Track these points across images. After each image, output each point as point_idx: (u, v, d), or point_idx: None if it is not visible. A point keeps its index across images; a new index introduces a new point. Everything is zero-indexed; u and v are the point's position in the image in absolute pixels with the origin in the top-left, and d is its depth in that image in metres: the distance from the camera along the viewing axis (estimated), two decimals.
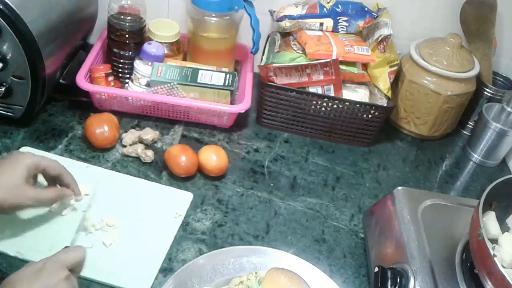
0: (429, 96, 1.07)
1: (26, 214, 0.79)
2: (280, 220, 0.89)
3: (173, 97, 1.01)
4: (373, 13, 1.05)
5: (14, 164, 0.72)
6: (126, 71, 1.07)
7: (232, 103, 1.04)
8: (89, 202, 0.83)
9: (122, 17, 1.04)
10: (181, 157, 0.91)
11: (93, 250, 0.76)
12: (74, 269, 0.64)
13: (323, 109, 1.04)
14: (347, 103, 1.03)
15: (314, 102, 1.04)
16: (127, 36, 1.04)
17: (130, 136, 0.97)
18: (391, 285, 0.69)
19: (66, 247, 0.68)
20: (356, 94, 1.04)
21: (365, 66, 1.06)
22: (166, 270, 0.77)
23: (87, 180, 0.86)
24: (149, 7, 1.08)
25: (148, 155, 0.94)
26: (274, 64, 1.01)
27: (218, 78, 1.02)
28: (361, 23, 1.06)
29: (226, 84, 1.01)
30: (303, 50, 1.02)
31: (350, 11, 1.06)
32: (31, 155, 0.74)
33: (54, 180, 0.78)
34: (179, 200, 0.88)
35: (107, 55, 1.09)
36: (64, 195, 0.78)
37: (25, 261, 0.74)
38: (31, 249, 0.75)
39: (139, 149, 0.95)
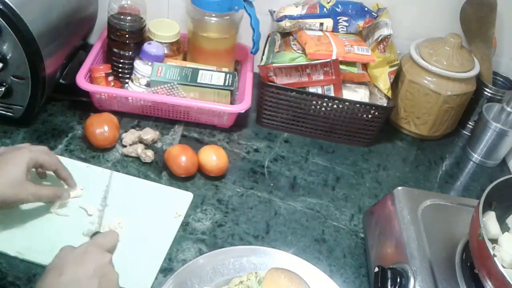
0: (429, 96, 1.07)
1: (26, 214, 0.79)
2: (280, 220, 0.89)
3: (173, 97, 1.01)
4: (373, 13, 1.05)
5: (14, 160, 0.73)
6: (126, 71, 1.07)
7: (232, 103, 1.04)
8: (104, 194, 0.85)
9: (122, 17, 1.04)
10: (181, 157, 0.91)
11: None
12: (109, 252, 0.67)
13: (323, 109, 1.04)
14: (347, 103, 1.03)
15: (314, 102, 1.04)
16: (127, 36, 1.04)
17: (130, 136, 0.97)
18: (391, 285, 0.69)
19: (95, 233, 0.72)
20: (356, 94, 1.04)
21: (365, 66, 1.06)
22: (166, 270, 0.77)
23: (86, 180, 0.86)
24: (149, 7, 1.08)
25: (148, 155, 0.94)
26: (274, 64, 1.01)
27: (218, 78, 1.02)
28: (361, 23, 1.06)
29: (226, 84, 1.01)
30: (303, 50, 1.02)
31: (350, 11, 1.06)
32: (28, 150, 0.76)
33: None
34: (179, 200, 0.88)
35: (107, 55, 1.09)
36: (62, 194, 0.80)
37: (25, 261, 0.74)
38: (31, 249, 0.75)
39: (139, 149, 0.95)
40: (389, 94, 1.04)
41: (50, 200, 0.80)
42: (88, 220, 0.81)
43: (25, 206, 0.80)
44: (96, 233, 0.75)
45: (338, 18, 1.06)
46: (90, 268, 0.61)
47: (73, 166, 0.88)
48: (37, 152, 0.77)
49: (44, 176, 0.84)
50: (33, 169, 0.79)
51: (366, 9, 1.06)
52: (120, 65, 1.07)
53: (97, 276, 0.60)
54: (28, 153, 0.75)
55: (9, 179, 0.71)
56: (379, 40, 1.04)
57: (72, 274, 0.59)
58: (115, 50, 1.06)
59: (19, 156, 0.74)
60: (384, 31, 1.03)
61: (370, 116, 1.04)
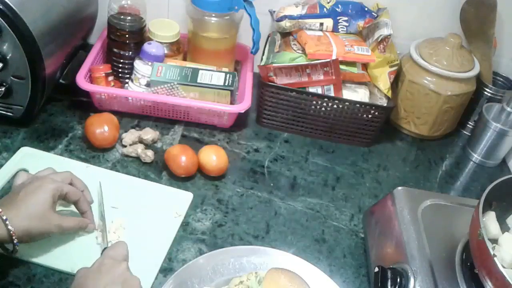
0: (429, 96, 1.07)
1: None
2: (280, 220, 0.89)
3: (173, 97, 1.01)
4: (373, 13, 1.05)
5: (39, 191, 0.71)
6: (126, 71, 1.07)
7: (232, 103, 1.04)
8: (99, 209, 0.83)
9: (122, 17, 1.04)
10: (181, 157, 0.91)
11: (93, 250, 0.76)
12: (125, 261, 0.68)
13: (323, 109, 1.04)
14: (347, 103, 1.03)
15: (314, 102, 1.04)
16: (127, 36, 1.04)
17: (130, 136, 0.97)
18: (391, 285, 0.69)
19: (104, 249, 0.71)
20: (356, 94, 1.04)
21: (365, 66, 1.06)
22: (166, 270, 0.77)
23: (86, 180, 0.86)
24: (149, 7, 1.08)
25: (148, 155, 0.94)
26: (274, 64, 1.01)
27: (218, 78, 1.02)
28: (361, 23, 1.06)
29: (226, 84, 1.01)
30: (303, 50, 1.02)
31: (350, 11, 1.06)
32: (52, 180, 0.73)
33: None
34: (179, 200, 0.88)
35: (107, 55, 1.09)
36: (85, 224, 0.78)
37: (25, 261, 0.74)
38: (31, 249, 0.75)
39: (139, 149, 0.95)
40: (389, 94, 1.04)
41: (74, 231, 0.77)
42: (93, 239, 0.79)
43: None
44: (105, 249, 0.73)
45: (338, 18, 1.06)
46: (110, 278, 0.62)
47: (73, 166, 0.88)
48: (61, 183, 0.74)
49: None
50: None
51: (366, 9, 1.06)
52: (120, 65, 1.07)
53: (119, 282, 0.62)
54: (52, 184, 0.72)
55: (33, 212, 0.69)
56: (379, 40, 1.04)
57: (94, 286, 0.61)
58: (115, 50, 1.06)
59: (44, 188, 0.71)
60: (384, 31, 1.03)
61: (370, 116, 1.04)
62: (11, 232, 0.66)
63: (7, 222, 0.66)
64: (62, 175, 0.77)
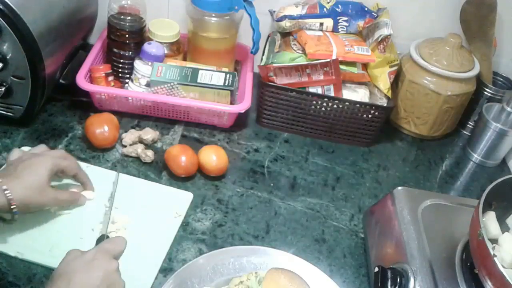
0: (429, 96, 1.07)
1: (26, 214, 0.79)
2: (280, 220, 0.89)
3: (173, 97, 1.01)
4: (373, 13, 1.05)
5: (37, 166, 0.75)
6: (126, 71, 1.07)
7: (232, 103, 1.04)
8: (110, 196, 0.85)
9: (122, 17, 1.04)
10: (181, 157, 0.91)
11: None
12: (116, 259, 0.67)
13: (323, 109, 1.04)
14: (347, 103, 1.03)
15: (314, 102, 1.04)
16: (127, 36, 1.04)
17: (130, 136, 0.97)
18: (391, 285, 0.69)
19: (102, 236, 0.73)
20: (356, 94, 1.04)
21: (365, 66, 1.06)
22: (166, 270, 0.77)
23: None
24: (149, 7, 1.08)
25: (148, 155, 0.94)
26: (274, 64, 1.01)
27: (218, 78, 1.02)
28: (361, 23, 1.06)
29: (226, 84, 1.01)
30: (303, 50, 1.02)
31: (350, 11, 1.06)
32: (50, 157, 0.77)
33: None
34: (179, 200, 0.88)
35: (107, 55, 1.09)
36: (79, 198, 0.82)
37: (25, 261, 0.74)
38: (31, 249, 0.75)
39: (139, 149, 0.95)
40: (389, 94, 1.04)
41: (68, 204, 0.81)
42: (95, 218, 0.81)
43: None
44: (102, 236, 0.75)
45: (338, 18, 1.06)
46: (98, 276, 0.61)
47: None
48: (58, 158, 0.78)
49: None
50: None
51: (366, 9, 1.06)
52: (120, 65, 1.07)
53: (105, 284, 0.61)
54: (50, 159, 0.76)
55: (33, 185, 0.73)
56: (379, 40, 1.04)
57: (80, 282, 0.60)
58: (115, 50, 1.06)
59: (43, 163, 0.75)
60: (384, 31, 1.03)
61: (370, 116, 1.04)
62: (11, 201, 0.69)
63: (6, 192, 0.69)
64: (57, 152, 0.82)
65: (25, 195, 0.72)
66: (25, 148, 0.91)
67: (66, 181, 0.85)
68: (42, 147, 0.82)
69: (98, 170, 0.91)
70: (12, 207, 0.70)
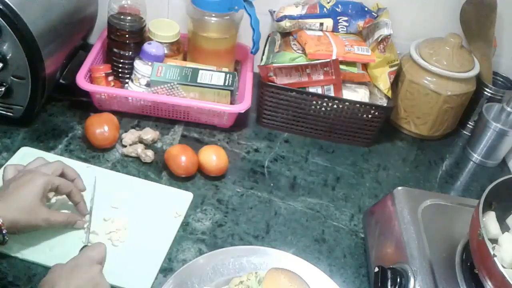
0: (429, 96, 1.07)
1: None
2: (280, 220, 0.89)
3: (173, 97, 1.01)
4: (373, 13, 1.05)
5: (29, 184, 0.72)
6: (126, 71, 1.07)
7: (232, 103, 1.04)
8: (90, 204, 0.83)
9: (122, 17, 1.04)
10: (181, 157, 0.91)
11: None
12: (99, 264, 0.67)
13: (323, 109, 1.04)
14: (347, 103, 1.03)
15: (314, 102, 1.04)
16: (127, 36, 1.04)
17: (130, 136, 0.97)
18: (391, 285, 0.69)
19: (84, 246, 0.72)
20: (356, 94, 1.04)
21: (365, 66, 1.06)
22: (166, 270, 0.77)
23: (87, 180, 0.86)
24: (149, 7, 1.08)
25: (148, 155, 0.94)
26: (274, 64, 1.01)
27: (218, 78, 1.02)
28: (361, 23, 1.06)
29: (226, 84, 1.01)
30: (303, 50, 1.02)
31: (350, 11, 1.06)
32: (42, 174, 0.74)
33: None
34: (179, 200, 0.88)
35: (107, 55, 1.09)
36: (76, 220, 0.79)
37: (25, 261, 0.74)
38: (31, 249, 0.75)
39: (139, 149, 0.95)
40: (389, 94, 1.04)
41: (64, 226, 0.78)
42: (95, 218, 0.81)
43: None
44: (83, 247, 0.73)
45: (338, 18, 1.06)
46: (81, 281, 0.61)
47: (73, 166, 0.87)
48: (52, 176, 0.75)
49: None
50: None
51: (366, 9, 1.06)
52: (120, 65, 1.07)
53: (90, 286, 0.61)
54: (42, 178, 0.73)
55: (22, 205, 0.70)
56: (379, 40, 1.04)
57: (66, 286, 0.60)
58: (115, 50, 1.06)
59: (34, 181, 0.72)
60: (384, 31, 1.03)
61: (370, 116, 1.04)
62: (0, 222, 0.67)
63: None
64: (53, 166, 0.77)
65: (15, 217, 0.69)
66: (25, 149, 0.91)
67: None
68: (38, 162, 0.78)
69: (98, 170, 0.91)
70: (1, 228, 0.67)
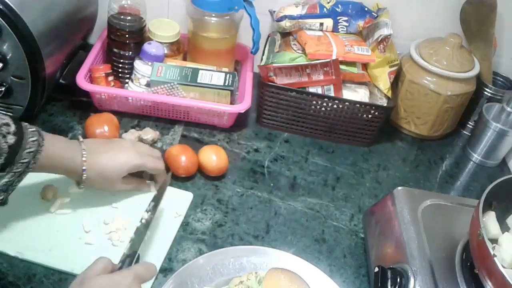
0: (429, 96, 1.07)
1: (26, 214, 0.79)
2: (280, 220, 0.89)
3: (173, 97, 1.01)
4: (373, 13, 1.05)
5: (122, 159, 0.80)
6: (126, 71, 1.07)
7: (232, 103, 1.04)
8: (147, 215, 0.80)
9: (122, 17, 1.04)
10: (181, 157, 0.91)
11: (94, 250, 0.76)
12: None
13: (323, 109, 1.04)
14: (347, 103, 1.03)
15: (314, 102, 1.04)
16: (127, 36, 1.04)
17: (130, 136, 0.97)
18: (391, 285, 0.69)
19: (133, 253, 0.68)
20: (356, 94, 1.04)
21: (365, 66, 1.06)
22: (166, 270, 0.77)
23: None
24: (149, 7, 1.08)
25: None
26: (274, 64, 1.01)
27: (218, 78, 1.02)
28: (361, 23, 1.06)
29: (226, 84, 1.01)
30: (303, 50, 1.02)
31: (350, 11, 1.06)
32: (140, 155, 0.82)
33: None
34: (179, 200, 0.88)
35: (107, 55, 1.09)
36: (143, 187, 0.87)
37: (25, 261, 0.74)
38: (31, 249, 0.75)
39: None
40: (389, 94, 1.04)
41: (135, 189, 0.86)
42: (95, 218, 0.81)
43: (25, 206, 0.80)
44: (133, 253, 0.68)
45: (338, 18, 1.06)
46: None
47: None
48: (145, 159, 0.82)
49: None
50: None
51: (366, 9, 1.05)
52: (120, 65, 1.07)
53: None
54: (135, 159, 0.80)
55: (105, 175, 0.78)
56: (379, 40, 1.04)
57: None
58: (115, 50, 1.06)
59: (129, 159, 0.80)
60: (384, 31, 1.03)
61: (370, 116, 1.04)
62: (83, 174, 0.76)
63: (84, 166, 0.76)
64: (154, 151, 0.87)
65: (95, 179, 0.77)
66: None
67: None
68: (147, 148, 0.87)
69: None
70: (83, 175, 0.76)
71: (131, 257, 0.67)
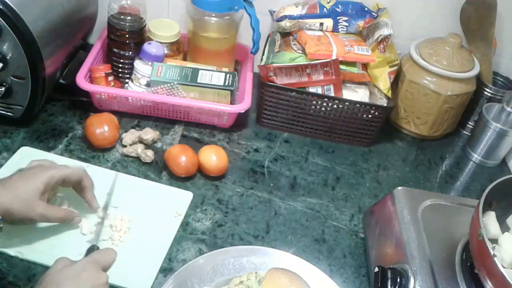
0: (429, 96, 1.07)
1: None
2: (280, 220, 0.89)
3: (173, 97, 1.01)
4: (373, 13, 1.05)
5: (33, 177, 0.72)
6: (126, 71, 1.07)
7: (232, 103, 1.04)
8: (106, 198, 0.84)
9: (122, 17, 1.04)
10: (181, 157, 0.91)
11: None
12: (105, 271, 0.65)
13: (323, 109, 1.04)
14: (347, 103, 1.03)
15: (314, 102, 1.04)
16: (127, 36, 1.04)
17: (130, 136, 0.97)
18: (391, 285, 0.69)
19: (92, 246, 0.70)
20: (356, 94, 1.04)
21: (365, 66, 1.06)
22: (166, 270, 0.77)
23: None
24: (149, 7, 1.08)
25: (148, 155, 0.94)
26: (274, 64, 1.01)
27: (218, 78, 1.02)
28: (361, 23, 1.06)
29: (226, 84, 1.01)
30: (303, 50, 1.02)
31: (350, 11, 1.06)
32: (50, 168, 0.74)
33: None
34: (179, 200, 0.88)
35: (107, 55, 1.09)
36: (73, 217, 0.78)
37: (25, 261, 0.74)
38: (31, 249, 0.75)
39: (139, 149, 0.95)
40: (389, 94, 1.04)
41: (60, 222, 0.77)
42: (95, 218, 0.81)
43: None
44: (92, 246, 0.73)
45: (338, 18, 1.06)
46: None
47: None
48: (59, 170, 0.75)
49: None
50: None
51: (366, 9, 1.06)
52: (120, 65, 1.07)
53: None
54: (47, 172, 0.73)
55: (21, 196, 0.70)
56: (379, 40, 1.04)
57: None
58: (115, 50, 1.06)
59: (39, 175, 0.72)
60: (384, 31, 1.03)
61: (370, 116, 1.04)
62: None
63: None
64: (71, 168, 0.77)
65: (11, 206, 0.68)
66: (24, 149, 0.91)
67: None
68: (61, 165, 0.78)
69: (98, 170, 0.91)
70: None
71: (91, 250, 0.72)
